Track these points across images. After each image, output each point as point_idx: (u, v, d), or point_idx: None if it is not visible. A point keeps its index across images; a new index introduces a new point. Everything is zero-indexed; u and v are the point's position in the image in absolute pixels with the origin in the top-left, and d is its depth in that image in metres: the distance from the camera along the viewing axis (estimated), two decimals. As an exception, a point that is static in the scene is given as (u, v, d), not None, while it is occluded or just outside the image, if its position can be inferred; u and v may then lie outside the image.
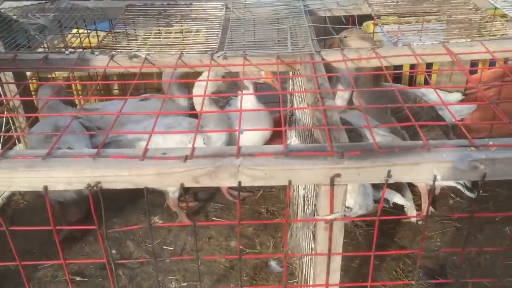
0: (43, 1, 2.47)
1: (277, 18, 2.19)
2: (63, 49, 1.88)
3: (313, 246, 1.45)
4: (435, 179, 1.15)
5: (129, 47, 1.92)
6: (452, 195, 2.53)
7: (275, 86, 2.35)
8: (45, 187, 1.15)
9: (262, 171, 1.15)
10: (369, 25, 3.23)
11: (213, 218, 2.44)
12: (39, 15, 2.27)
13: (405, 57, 1.74)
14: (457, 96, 2.60)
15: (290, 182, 1.17)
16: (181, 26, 2.18)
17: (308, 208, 1.68)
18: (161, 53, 1.81)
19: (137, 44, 1.95)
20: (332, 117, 1.35)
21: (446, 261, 2.12)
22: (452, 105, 2.46)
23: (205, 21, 2.19)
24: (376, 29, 3.17)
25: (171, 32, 2.13)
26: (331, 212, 1.22)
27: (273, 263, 2.13)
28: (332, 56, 1.76)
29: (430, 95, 2.51)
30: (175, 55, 1.78)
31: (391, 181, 1.17)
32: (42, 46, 2.36)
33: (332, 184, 1.16)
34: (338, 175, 1.15)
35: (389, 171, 1.15)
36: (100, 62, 1.77)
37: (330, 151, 1.16)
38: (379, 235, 2.27)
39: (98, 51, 1.81)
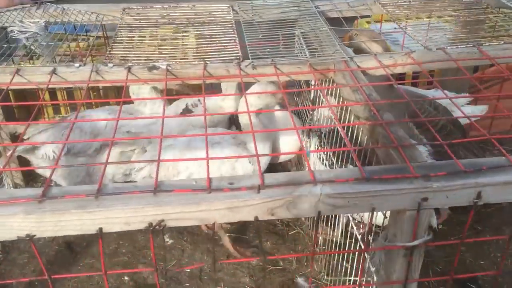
0: (27, 6, 2.25)
1: (291, 21, 2.08)
2: (71, 62, 1.70)
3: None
4: (526, 199, 1.08)
5: (143, 56, 1.75)
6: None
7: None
8: (100, 229, 1.00)
9: (344, 199, 1.04)
10: (362, 23, 3.17)
11: (228, 234, 2.30)
12: (28, 22, 2.05)
13: (444, 63, 1.66)
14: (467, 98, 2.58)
15: (373, 209, 1.07)
16: (182, 30, 2.02)
17: (354, 226, 1.59)
18: (183, 63, 1.66)
19: (152, 54, 1.79)
20: (397, 132, 1.26)
21: (473, 266, 2.08)
22: (463, 107, 2.43)
23: (216, 25, 2.05)
24: (372, 27, 3.13)
25: (184, 38, 1.97)
26: (414, 238, 1.12)
27: (300, 280, 2.03)
28: (366, 62, 1.67)
29: (439, 97, 2.47)
30: (198, 65, 1.64)
31: (479, 203, 1.09)
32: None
33: (419, 209, 1.07)
34: (426, 199, 1.06)
35: (479, 193, 1.07)
36: (116, 75, 1.60)
37: (413, 173, 1.07)
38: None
39: (112, 63, 1.64)
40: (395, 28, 2.95)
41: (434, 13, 2.25)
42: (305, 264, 2.11)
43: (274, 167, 2.53)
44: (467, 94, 2.62)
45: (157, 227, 1.01)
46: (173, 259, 2.15)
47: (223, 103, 2.48)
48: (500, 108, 1.39)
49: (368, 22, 3.29)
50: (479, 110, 2.44)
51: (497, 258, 2.13)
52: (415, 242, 1.12)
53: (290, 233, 2.31)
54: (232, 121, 2.60)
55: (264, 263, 1.09)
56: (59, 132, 2.23)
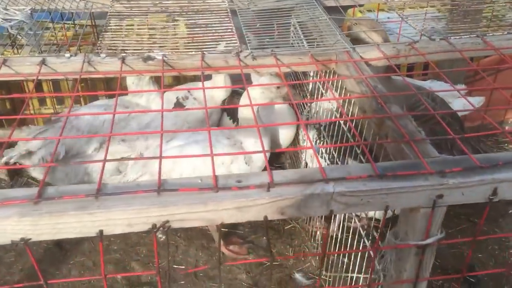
0: (11, -9, 2.14)
1: (288, 10, 2.01)
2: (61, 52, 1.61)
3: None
4: (543, 196, 1.05)
5: (136, 46, 1.68)
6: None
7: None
8: (101, 232, 0.93)
9: (358, 197, 1.00)
10: (355, 13, 3.12)
11: (222, 229, 2.25)
12: (13, 9, 1.95)
13: (448, 53, 1.62)
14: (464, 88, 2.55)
15: (387, 208, 1.02)
16: (174, 19, 1.95)
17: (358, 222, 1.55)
18: (179, 53, 1.59)
19: (143, 43, 1.72)
20: (408, 126, 1.21)
21: (472, 259, 2.06)
22: (459, 99, 2.40)
23: (210, 13, 1.98)
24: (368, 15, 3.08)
25: (175, 27, 1.90)
26: (427, 236, 1.08)
27: (298, 276, 1.99)
28: (369, 53, 1.62)
29: (435, 88, 2.44)
30: (195, 55, 1.57)
31: (495, 199, 1.06)
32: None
33: (434, 206, 1.03)
34: (441, 196, 1.02)
35: (495, 189, 1.03)
36: (110, 66, 1.53)
37: (428, 169, 1.02)
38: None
39: (104, 53, 1.56)
40: (388, 18, 2.91)
41: (432, 2, 2.21)
42: (302, 259, 2.08)
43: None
44: (464, 86, 2.59)
45: (161, 228, 0.96)
46: (167, 256, 2.10)
47: (214, 92, 2.42)
48: (503, 95, 1.35)
49: (361, 12, 3.24)
50: (476, 101, 2.42)
51: (494, 251, 2.12)
52: (429, 241, 1.08)
53: (286, 228, 2.26)
54: (224, 109, 2.55)
55: (271, 263, 1.04)
56: (55, 134, 2.11)
